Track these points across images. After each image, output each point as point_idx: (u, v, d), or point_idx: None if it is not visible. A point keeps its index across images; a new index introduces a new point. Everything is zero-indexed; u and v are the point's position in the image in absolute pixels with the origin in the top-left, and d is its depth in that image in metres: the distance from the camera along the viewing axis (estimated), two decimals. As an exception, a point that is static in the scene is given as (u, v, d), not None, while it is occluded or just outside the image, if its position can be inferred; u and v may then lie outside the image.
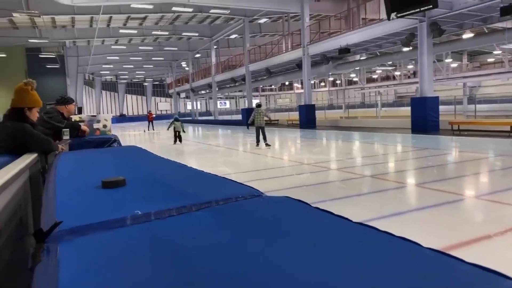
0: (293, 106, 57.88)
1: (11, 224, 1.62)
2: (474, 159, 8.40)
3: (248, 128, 13.13)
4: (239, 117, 34.58)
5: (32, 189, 2.42)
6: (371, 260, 0.64)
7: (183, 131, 15.65)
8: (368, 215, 4.19)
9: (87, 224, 0.92)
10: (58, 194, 1.31)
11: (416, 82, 24.49)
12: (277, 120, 28.52)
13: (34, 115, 3.04)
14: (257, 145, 12.61)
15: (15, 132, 2.83)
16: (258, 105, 12.97)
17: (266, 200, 1.16)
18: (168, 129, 16.56)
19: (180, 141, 15.73)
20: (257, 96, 68.58)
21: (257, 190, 1.25)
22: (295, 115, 28.98)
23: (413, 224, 3.95)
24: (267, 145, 12.50)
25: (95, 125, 4.98)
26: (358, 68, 34.24)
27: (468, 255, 2.99)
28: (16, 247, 1.64)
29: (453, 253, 0.67)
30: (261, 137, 12.60)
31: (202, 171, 1.77)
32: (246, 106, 31.54)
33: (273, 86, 58.90)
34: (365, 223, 0.86)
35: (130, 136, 24.52)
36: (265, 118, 12.94)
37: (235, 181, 1.40)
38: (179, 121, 15.77)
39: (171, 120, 16.35)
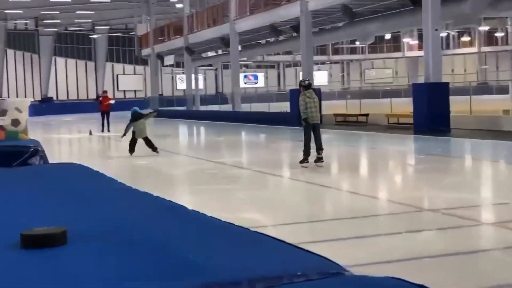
0: (399, 86, 57.28)
1: None
2: None
3: (305, 122, 13.20)
4: (283, 105, 34.65)
5: None
6: None
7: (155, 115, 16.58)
8: None
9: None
10: None
11: None
12: (366, 114, 28.36)
13: None
14: (305, 160, 13.00)
15: None
16: (307, 85, 13.51)
17: (354, 283, 1.20)
18: (123, 136, 17.42)
19: (155, 149, 16.63)
20: (323, 62, 68.42)
21: (335, 263, 1.31)
22: (403, 105, 28.66)
23: None
24: (319, 159, 12.92)
25: (-3, 121, 5.21)
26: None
27: None
28: None
29: None
30: (313, 142, 12.81)
31: (216, 218, 1.82)
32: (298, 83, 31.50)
33: (357, 44, 58.78)
34: None
35: (63, 142, 25.24)
36: None
37: (289, 244, 1.46)
38: (141, 118, 16.90)
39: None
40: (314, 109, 13.07)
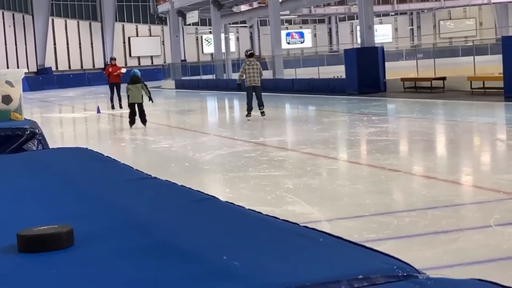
0: (485, 41, 56.31)
1: None
2: None
3: (239, 88, 20.89)
4: (338, 70, 34.52)
5: None
6: None
7: (150, 100, 19.23)
8: None
9: None
10: None
11: None
12: (442, 78, 28.13)
13: None
14: (249, 114, 20.15)
15: None
16: (250, 54, 20.79)
17: (431, 287, 1.21)
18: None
19: (144, 121, 18.72)
20: (386, 14, 67.57)
21: (406, 263, 1.32)
22: (490, 65, 28.26)
23: None
24: (263, 113, 19.97)
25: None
26: None
27: None
28: None
29: None
30: (255, 103, 19.79)
31: (257, 212, 1.84)
32: (358, 40, 31.36)
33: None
34: None
35: (66, 122, 25.41)
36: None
37: (348, 241, 1.47)
38: (139, 83, 18.63)
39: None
40: (252, 74, 19.94)
